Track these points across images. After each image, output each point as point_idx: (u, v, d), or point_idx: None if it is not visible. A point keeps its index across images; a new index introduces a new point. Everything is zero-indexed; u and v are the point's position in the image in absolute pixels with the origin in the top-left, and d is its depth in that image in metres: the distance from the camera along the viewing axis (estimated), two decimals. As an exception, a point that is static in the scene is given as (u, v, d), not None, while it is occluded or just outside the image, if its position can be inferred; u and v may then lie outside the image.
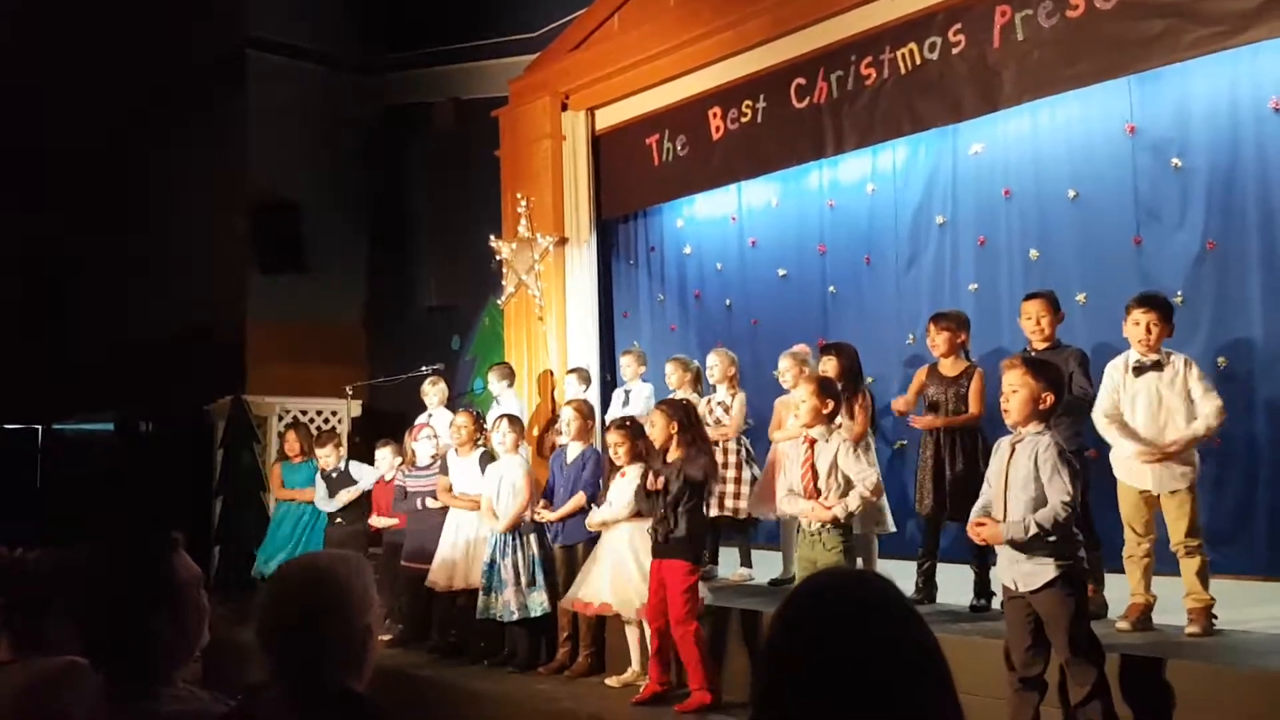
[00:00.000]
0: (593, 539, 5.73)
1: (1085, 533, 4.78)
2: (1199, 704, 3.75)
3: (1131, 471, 4.51)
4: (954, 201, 7.02)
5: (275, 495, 7.93)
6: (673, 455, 5.07)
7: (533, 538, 6.03)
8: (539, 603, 5.91)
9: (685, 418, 5.12)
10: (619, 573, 5.37)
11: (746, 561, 6.42)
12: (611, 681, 5.47)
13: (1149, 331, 4.46)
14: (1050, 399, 3.83)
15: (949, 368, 5.38)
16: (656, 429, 5.13)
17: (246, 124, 10.62)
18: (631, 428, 5.50)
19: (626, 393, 7.36)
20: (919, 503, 5.32)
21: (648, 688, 5.09)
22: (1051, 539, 3.67)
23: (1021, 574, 3.75)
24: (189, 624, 1.99)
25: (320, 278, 10.72)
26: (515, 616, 5.91)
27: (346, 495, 7.21)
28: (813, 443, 4.65)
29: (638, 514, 5.32)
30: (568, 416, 6.19)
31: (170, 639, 1.96)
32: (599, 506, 5.68)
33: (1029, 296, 5.12)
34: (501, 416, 6.36)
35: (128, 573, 1.97)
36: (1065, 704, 3.76)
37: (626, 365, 7.45)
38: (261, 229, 10.48)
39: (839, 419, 4.88)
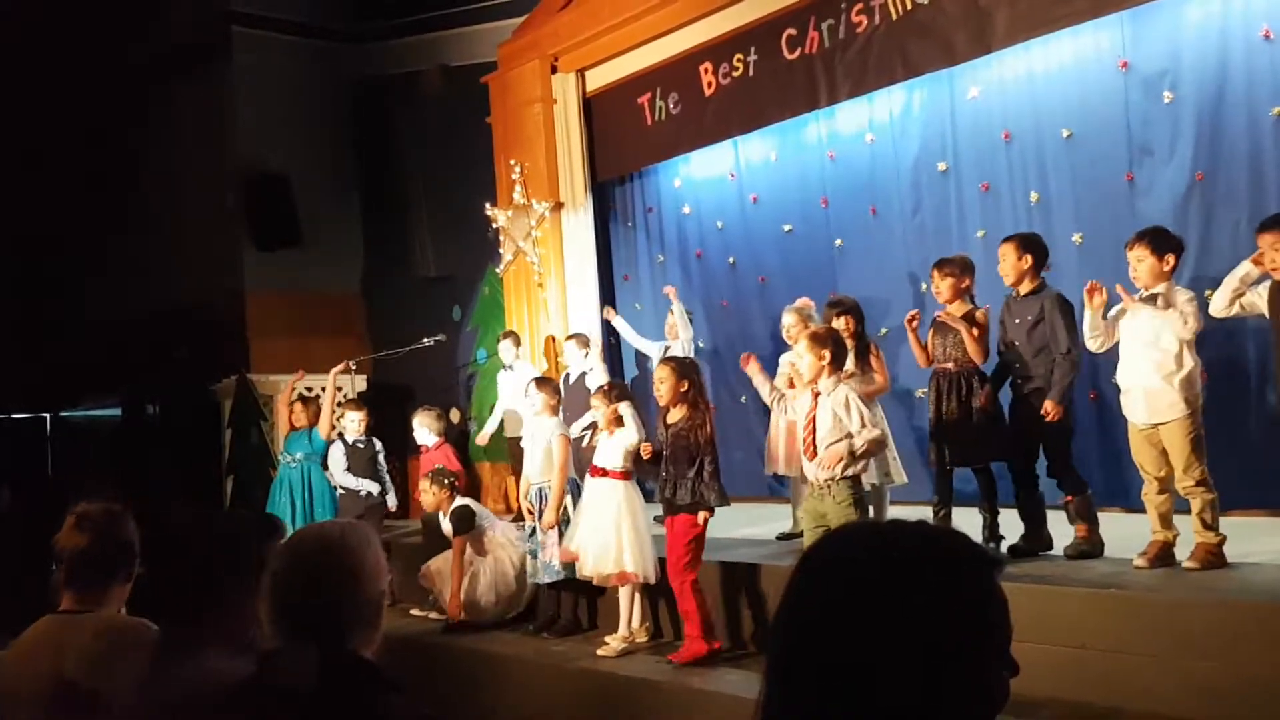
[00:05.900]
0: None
1: (1071, 475, 4.82)
2: (1207, 638, 3.77)
3: (1129, 408, 4.54)
4: (954, 148, 6.94)
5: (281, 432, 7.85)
6: (676, 416, 5.04)
7: (569, 496, 5.80)
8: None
9: (694, 376, 5.07)
10: (595, 535, 5.27)
11: None
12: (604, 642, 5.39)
13: (1133, 267, 4.47)
14: None
15: (953, 313, 5.34)
16: (665, 386, 5.03)
17: (234, 99, 10.52)
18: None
19: (666, 348, 7.29)
20: (929, 452, 5.32)
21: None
22: None
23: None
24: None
25: (316, 251, 10.65)
26: (560, 576, 5.73)
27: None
28: (817, 395, 4.63)
29: (625, 473, 5.27)
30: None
31: (244, 615, 2.05)
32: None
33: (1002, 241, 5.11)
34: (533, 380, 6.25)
35: (234, 546, 2.16)
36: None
37: (669, 327, 7.44)
38: (254, 204, 10.42)
39: (851, 372, 4.85)
